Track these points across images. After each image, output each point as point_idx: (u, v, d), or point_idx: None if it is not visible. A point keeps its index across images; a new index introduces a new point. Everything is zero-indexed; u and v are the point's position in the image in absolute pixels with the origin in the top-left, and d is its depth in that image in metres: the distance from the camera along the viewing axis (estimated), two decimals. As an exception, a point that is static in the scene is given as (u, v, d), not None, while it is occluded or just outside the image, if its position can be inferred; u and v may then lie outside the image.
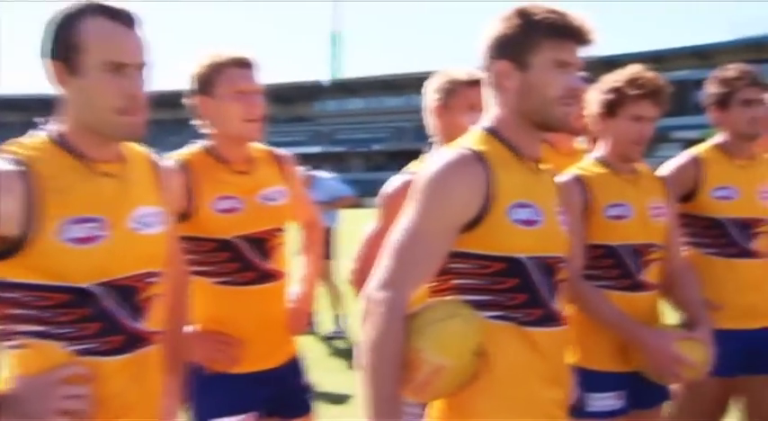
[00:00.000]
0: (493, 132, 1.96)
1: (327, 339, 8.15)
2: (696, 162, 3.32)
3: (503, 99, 1.96)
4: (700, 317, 2.83)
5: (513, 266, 1.88)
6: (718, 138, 3.38)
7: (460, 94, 2.76)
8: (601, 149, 2.98)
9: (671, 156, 3.40)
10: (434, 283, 1.93)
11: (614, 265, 2.84)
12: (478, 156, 1.87)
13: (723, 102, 3.30)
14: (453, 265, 1.89)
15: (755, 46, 57.24)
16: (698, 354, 2.68)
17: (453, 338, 1.79)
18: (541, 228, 1.91)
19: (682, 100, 44.80)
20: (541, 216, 1.91)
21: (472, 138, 1.96)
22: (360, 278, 2.64)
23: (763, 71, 3.52)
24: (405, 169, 2.90)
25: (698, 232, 3.28)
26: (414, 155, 3.12)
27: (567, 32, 1.87)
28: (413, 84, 74.40)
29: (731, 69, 3.34)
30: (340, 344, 7.99)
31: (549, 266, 1.94)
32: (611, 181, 2.90)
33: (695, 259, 3.21)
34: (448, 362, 1.77)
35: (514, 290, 1.89)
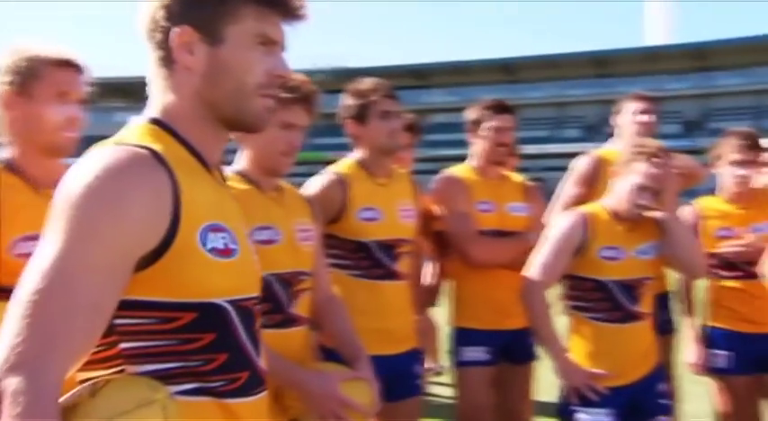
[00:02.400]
0: (165, 127, 1.38)
1: None
2: (341, 181, 3.09)
3: (180, 81, 1.38)
4: (357, 353, 2.54)
5: (209, 315, 1.33)
6: (357, 154, 3.19)
7: (46, 78, 2.08)
8: (241, 161, 2.54)
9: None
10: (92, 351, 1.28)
11: (264, 298, 2.41)
12: (158, 158, 1.29)
13: (361, 115, 3.13)
14: (121, 322, 1.27)
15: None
16: (364, 395, 2.38)
17: None
18: (239, 259, 1.39)
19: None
20: (237, 244, 1.39)
21: (137, 134, 1.36)
22: None
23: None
24: None
25: (343, 254, 3.05)
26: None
27: (276, 0, 1.38)
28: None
29: (366, 82, 3.18)
30: None
31: (249, 311, 1.43)
32: (256, 199, 2.47)
33: (340, 283, 2.94)
34: None
35: (211, 348, 1.34)
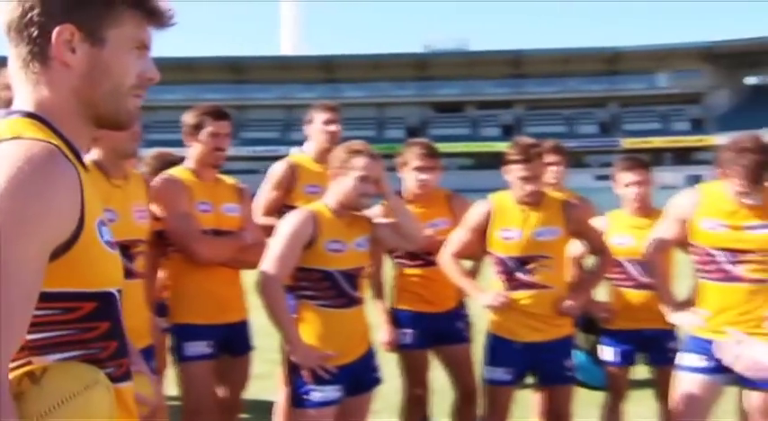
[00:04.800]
0: (43, 121, 1.40)
1: None
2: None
3: (56, 77, 1.41)
4: (131, 348, 2.59)
5: (105, 305, 1.42)
6: (93, 154, 3.17)
7: None
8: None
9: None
10: None
11: None
12: (61, 151, 1.33)
13: None
14: None
15: None
16: (146, 388, 2.45)
17: (103, 415, 1.24)
18: (117, 251, 1.49)
19: None
20: (112, 236, 1.49)
21: (25, 128, 1.35)
22: None
23: None
24: None
25: None
26: None
27: (152, 8, 1.48)
28: None
29: None
30: None
31: (121, 301, 1.52)
32: None
33: None
34: None
35: (107, 336, 1.42)
